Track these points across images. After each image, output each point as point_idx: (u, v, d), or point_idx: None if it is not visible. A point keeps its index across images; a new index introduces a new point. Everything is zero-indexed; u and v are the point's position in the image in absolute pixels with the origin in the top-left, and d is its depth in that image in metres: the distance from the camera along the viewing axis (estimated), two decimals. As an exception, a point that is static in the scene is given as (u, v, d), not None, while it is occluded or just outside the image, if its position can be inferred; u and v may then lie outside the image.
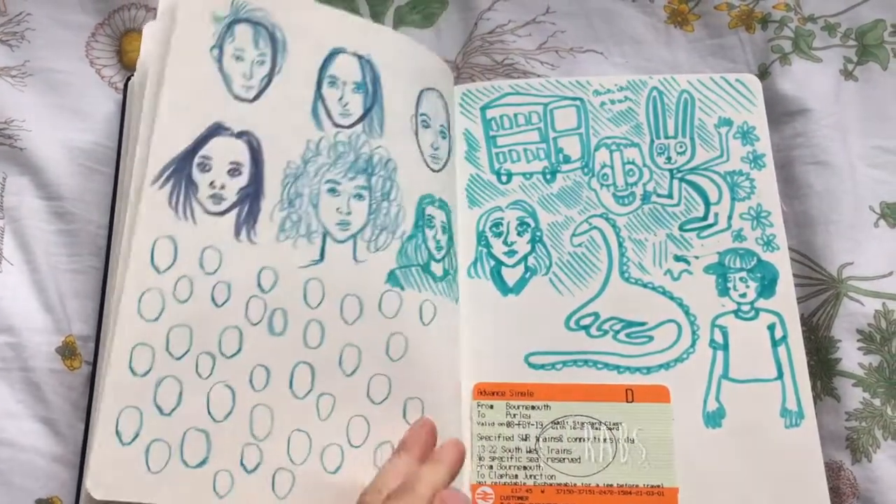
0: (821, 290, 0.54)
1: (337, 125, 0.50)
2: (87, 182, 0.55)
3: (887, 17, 0.61)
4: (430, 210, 0.52)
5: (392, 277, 0.49)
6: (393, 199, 0.50)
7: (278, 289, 0.47)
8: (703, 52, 0.61)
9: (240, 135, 0.48)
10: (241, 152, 0.48)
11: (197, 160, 0.47)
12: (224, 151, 0.47)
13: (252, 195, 0.48)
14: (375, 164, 0.50)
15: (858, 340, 0.52)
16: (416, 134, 0.53)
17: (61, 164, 0.55)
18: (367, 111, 0.51)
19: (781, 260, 0.53)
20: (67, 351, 0.51)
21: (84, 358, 0.52)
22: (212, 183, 0.47)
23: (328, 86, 0.51)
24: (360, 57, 0.52)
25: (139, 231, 0.45)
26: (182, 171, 0.46)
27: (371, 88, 0.52)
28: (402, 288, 0.49)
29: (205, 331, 0.45)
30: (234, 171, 0.47)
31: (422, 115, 0.53)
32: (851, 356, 0.52)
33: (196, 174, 0.47)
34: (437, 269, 0.51)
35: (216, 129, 0.48)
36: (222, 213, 0.47)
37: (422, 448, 0.46)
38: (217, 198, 0.47)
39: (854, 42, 0.61)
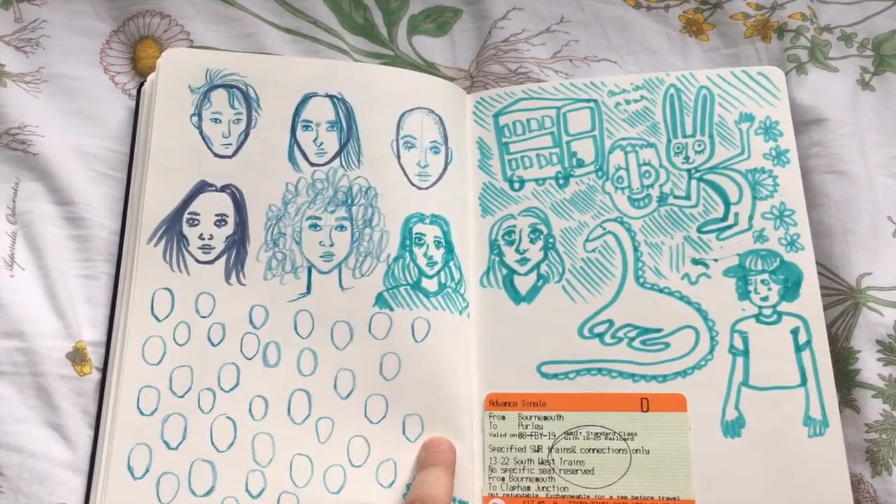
0: (839, 301, 0.53)
1: (313, 164, 0.54)
2: (100, 187, 0.55)
3: (904, 28, 0.61)
4: (419, 228, 0.53)
5: (380, 300, 0.51)
6: (375, 224, 0.53)
7: (270, 323, 0.51)
8: (718, 62, 0.61)
9: (223, 188, 0.53)
10: (225, 204, 0.53)
11: (186, 217, 0.52)
12: (210, 205, 0.53)
13: (238, 241, 0.52)
14: (356, 194, 0.53)
15: (878, 351, 0.51)
16: (399, 157, 0.54)
17: (74, 169, 0.55)
18: (342, 146, 0.54)
19: (806, 261, 0.52)
20: (78, 357, 0.51)
21: (94, 364, 0.51)
22: (201, 235, 0.52)
23: (302, 129, 0.55)
24: (331, 97, 0.55)
25: (138, 285, 0.51)
26: (173, 228, 0.52)
27: (345, 124, 0.55)
28: (392, 308, 0.51)
29: (204, 369, 0.50)
30: (220, 221, 0.52)
31: (404, 137, 0.55)
32: (871, 367, 0.51)
33: (186, 229, 0.52)
34: (429, 284, 0.52)
35: (201, 187, 0.53)
36: (212, 261, 0.52)
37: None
38: (207, 248, 0.52)
39: (871, 52, 0.61)
